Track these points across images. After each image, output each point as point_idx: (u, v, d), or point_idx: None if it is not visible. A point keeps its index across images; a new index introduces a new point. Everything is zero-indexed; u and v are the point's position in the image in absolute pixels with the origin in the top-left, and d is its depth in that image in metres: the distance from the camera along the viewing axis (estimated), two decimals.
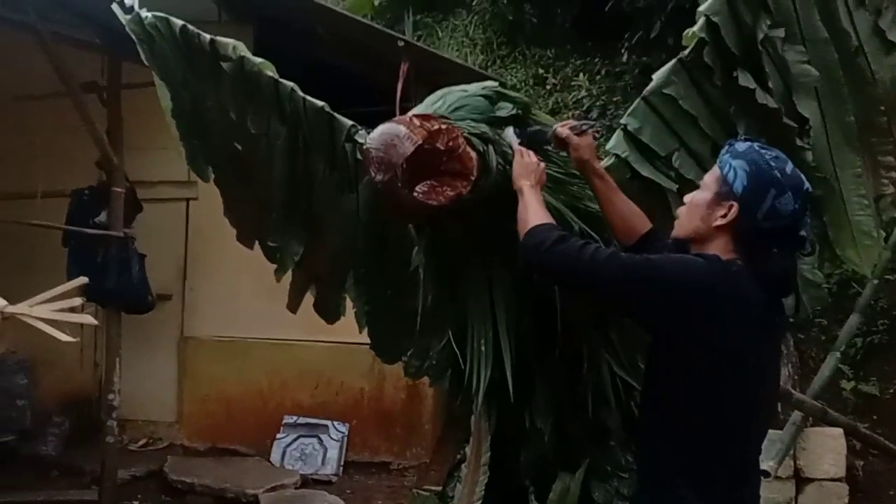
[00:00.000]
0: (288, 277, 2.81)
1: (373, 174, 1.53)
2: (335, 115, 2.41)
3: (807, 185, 1.60)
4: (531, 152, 1.80)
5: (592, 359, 1.99)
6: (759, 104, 2.09)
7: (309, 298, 2.84)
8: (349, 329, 2.80)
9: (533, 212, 1.70)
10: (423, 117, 1.63)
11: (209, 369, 5.45)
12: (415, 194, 1.60)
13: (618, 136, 2.13)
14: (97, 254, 4.40)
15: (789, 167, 1.59)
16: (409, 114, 1.63)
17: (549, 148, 1.95)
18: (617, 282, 1.57)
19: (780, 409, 4.58)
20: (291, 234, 2.77)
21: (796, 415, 4.24)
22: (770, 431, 4.13)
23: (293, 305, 2.89)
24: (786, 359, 5.04)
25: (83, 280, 2.95)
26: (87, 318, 2.82)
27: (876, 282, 5.17)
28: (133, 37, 2.64)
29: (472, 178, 1.67)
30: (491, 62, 7.84)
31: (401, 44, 4.19)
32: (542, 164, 1.81)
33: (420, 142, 1.55)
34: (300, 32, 5.13)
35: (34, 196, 4.49)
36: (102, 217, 4.43)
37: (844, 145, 2.26)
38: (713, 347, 1.54)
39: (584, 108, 7.09)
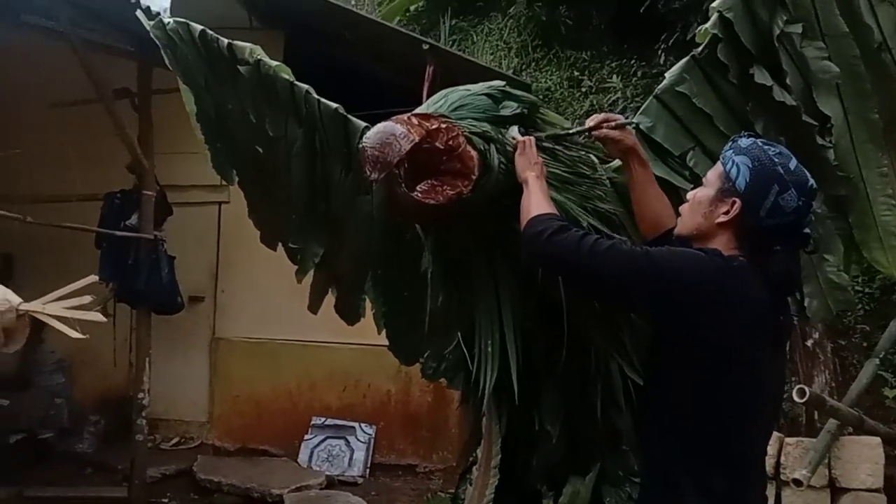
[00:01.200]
0: (310, 278, 2.84)
1: (368, 173, 1.53)
2: (349, 117, 2.42)
3: (811, 181, 1.57)
4: (533, 145, 1.78)
5: (602, 361, 1.95)
6: (777, 102, 2.04)
7: (331, 300, 2.87)
8: (376, 331, 2.81)
9: (536, 202, 1.68)
10: (422, 116, 1.62)
11: (240, 370, 5.52)
12: (414, 194, 1.59)
13: None
14: (128, 256, 4.49)
15: (793, 163, 1.56)
16: (408, 113, 1.62)
17: (559, 147, 1.93)
18: (617, 274, 1.55)
19: (815, 416, 4.47)
20: (311, 236, 2.79)
21: (831, 422, 4.12)
22: (804, 440, 4.09)
23: (314, 306, 2.91)
24: (822, 365, 4.91)
25: (94, 278, 3.00)
26: (97, 316, 2.87)
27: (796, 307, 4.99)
28: (157, 42, 2.70)
29: (473, 178, 1.66)
30: (525, 65, 7.81)
31: (425, 47, 4.20)
32: (541, 160, 1.79)
33: (417, 140, 1.54)
34: (330, 38, 5.18)
35: (69, 199, 4.60)
36: (133, 220, 4.52)
37: (869, 143, 2.19)
38: (714, 345, 1.51)
39: (619, 109, 7.01)
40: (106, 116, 4.24)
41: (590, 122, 1.91)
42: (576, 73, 7.56)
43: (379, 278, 2.73)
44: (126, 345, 5.42)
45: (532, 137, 1.81)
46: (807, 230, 1.57)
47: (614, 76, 7.30)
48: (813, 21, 2.06)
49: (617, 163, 2.10)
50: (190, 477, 4.88)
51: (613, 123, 1.88)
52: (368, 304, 2.80)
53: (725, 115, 2.11)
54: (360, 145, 1.58)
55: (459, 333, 2.05)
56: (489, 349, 1.92)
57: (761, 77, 2.05)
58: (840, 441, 4.16)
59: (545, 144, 1.88)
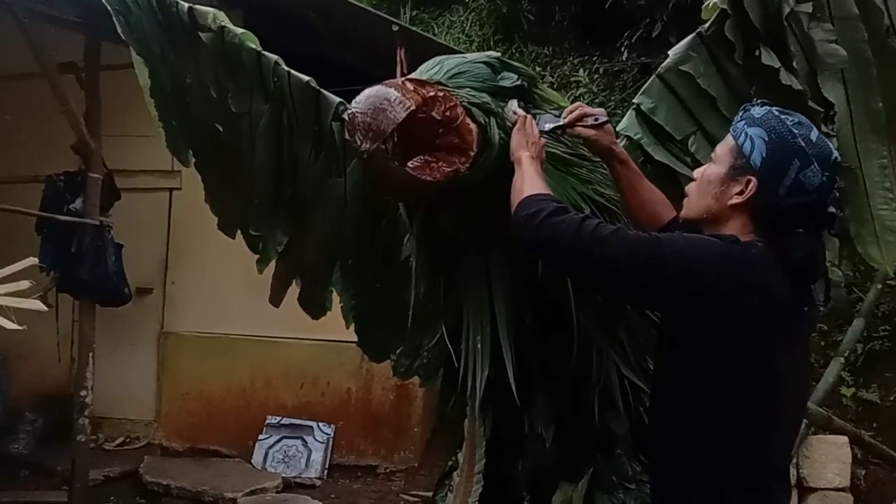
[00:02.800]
0: (271, 270, 2.65)
1: (357, 143, 1.35)
2: (322, 91, 2.24)
3: (835, 154, 1.42)
4: (532, 120, 1.61)
5: (599, 359, 1.81)
6: (783, 85, 1.93)
7: (293, 293, 2.68)
8: (337, 326, 2.64)
9: (529, 182, 1.50)
10: (418, 82, 1.45)
11: (190, 366, 5.26)
12: (410, 171, 1.41)
13: (630, 116, 1.97)
14: (72, 242, 4.20)
15: (814, 134, 1.40)
16: (402, 78, 1.44)
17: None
18: (622, 262, 1.37)
19: None
20: (275, 223, 2.61)
21: None
22: None
23: (276, 299, 2.73)
24: None
25: (32, 260, 2.75)
26: (36, 304, 2.62)
27: (879, 286, 5.06)
28: (108, 8, 2.49)
29: (472, 154, 1.49)
30: None
31: (395, 28, 4.01)
32: (542, 140, 1.62)
33: (413, 107, 1.36)
34: (292, 19, 4.95)
35: (8, 181, 4.32)
36: (78, 204, 4.23)
37: (870, 134, 2.11)
38: (732, 345, 1.36)
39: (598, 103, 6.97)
40: (50, 93, 3.95)
41: (566, 115, 1.73)
42: (538, 69, 7.50)
43: (349, 268, 2.55)
44: (68, 338, 5.14)
45: (530, 116, 1.63)
46: (831, 209, 1.41)
47: (581, 70, 7.25)
48: (823, 1, 1.95)
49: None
50: (136, 479, 4.61)
51: (589, 122, 1.72)
52: (335, 297, 2.62)
53: (729, 98, 2.00)
54: (348, 111, 1.39)
55: (444, 328, 1.88)
56: (479, 346, 1.76)
57: (768, 58, 1.94)
58: (808, 440, 4.15)
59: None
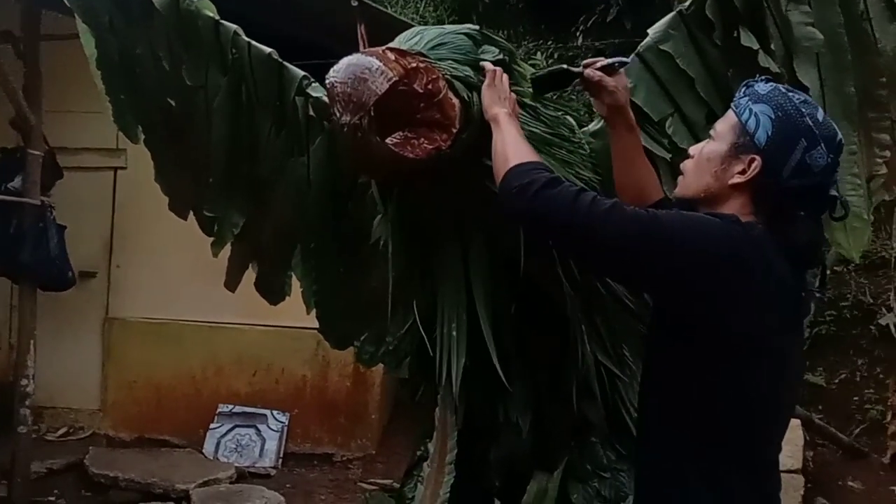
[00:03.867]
0: (226, 253, 2.53)
1: (337, 115, 1.25)
2: (285, 64, 2.13)
3: (839, 135, 1.37)
4: (505, 75, 1.51)
5: (577, 346, 1.76)
6: (761, 67, 1.90)
7: (249, 277, 2.57)
8: (291, 312, 2.55)
9: (513, 147, 1.40)
10: (399, 52, 1.36)
11: (137, 353, 5.05)
12: (392, 147, 1.32)
13: None
14: (10, 223, 3.97)
15: (820, 114, 1.35)
16: (382, 47, 1.35)
17: (538, 104, 1.70)
18: (619, 239, 1.30)
19: None
20: (231, 203, 2.49)
21: None
22: None
23: (232, 283, 2.62)
24: None
25: None
26: None
27: (828, 272, 5.18)
28: None
29: (454, 131, 1.40)
30: None
31: (354, 3, 3.88)
32: (514, 96, 1.53)
33: (395, 78, 1.27)
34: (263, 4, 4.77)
35: None
36: (17, 182, 3.99)
37: (842, 119, 2.08)
38: (734, 329, 1.31)
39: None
40: None
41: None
42: None
43: (311, 252, 2.45)
44: (6, 325, 4.89)
45: (500, 69, 1.53)
46: (833, 192, 1.36)
47: (537, 53, 7.20)
48: None
49: (593, 126, 1.91)
50: (81, 471, 4.40)
51: (600, 64, 1.61)
52: (295, 283, 2.51)
53: (706, 80, 1.96)
54: (326, 80, 1.30)
55: (416, 314, 1.80)
56: (454, 333, 1.69)
57: (747, 40, 1.91)
58: None
59: (526, 101, 1.64)
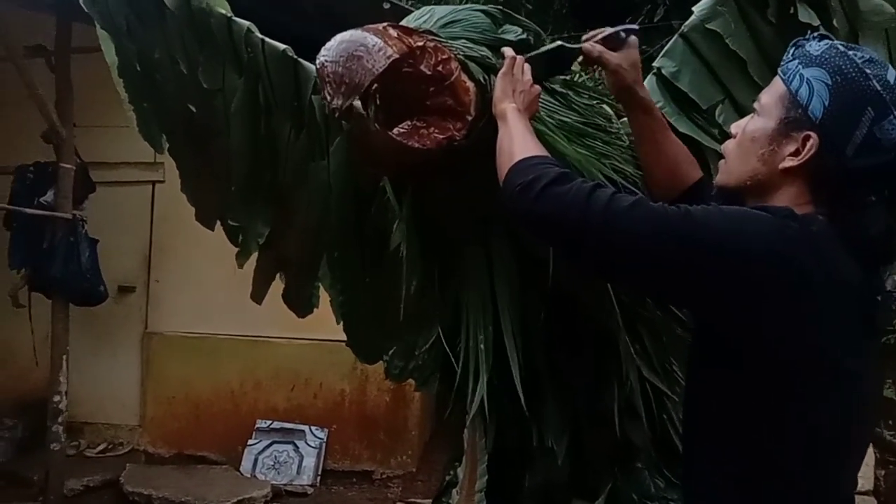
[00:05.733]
0: (254, 263, 2.43)
1: (328, 98, 1.10)
2: (301, 61, 1.99)
3: None
4: (525, 65, 1.32)
5: (619, 361, 1.57)
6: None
7: (278, 289, 2.46)
8: (329, 325, 2.42)
9: (519, 141, 1.21)
10: (403, 29, 1.20)
11: (175, 368, 5.01)
12: (395, 136, 1.16)
13: (650, 81, 1.72)
14: (43, 238, 3.96)
15: (892, 74, 1.10)
16: (384, 24, 1.19)
17: (571, 93, 1.53)
18: (642, 242, 1.09)
19: None
20: (255, 211, 2.38)
21: None
22: None
23: (258, 295, 2.50)
24: None
25: None
26: None
27: (893, 276, 4.87)
28: None
29: (469, 119, 1.24)
30: None
31: (386, 6, 3.77)
32: (537, 88, 1.33)
33: (396, 57, 1.12)
34: (279, 2, 4.72)
35: None
36: (49, 197, 3.98)
37: None
38: (787, 351, 1.08)
39: None
40: (17, 77, 3.70)
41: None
42: None
43: (336, 261, 2.32)
44: (48, 340, 4.91)
45: (523, 57, 1.35)
46: None
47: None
48: None
49: None
50: (116, 489, 4.36)
51: (601, 35, 1.41)
52: (323, 293, 2.39)
53: (760, 62, 1.75)
54: (317, 60, 1.15)
55: (439, 327, 1.64)
56: (481, 346, 1.52)
57: (806, 16, 1.70)
58: None
59: (556, 87, 1.47)
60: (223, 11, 2.04)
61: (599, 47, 1.41)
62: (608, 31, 1.42)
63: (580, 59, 1.44)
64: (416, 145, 1.18)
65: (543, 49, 1.41)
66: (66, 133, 3.83)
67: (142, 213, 5.11)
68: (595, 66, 1.48)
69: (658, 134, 1.44)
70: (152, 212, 5.12)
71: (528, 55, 1.37)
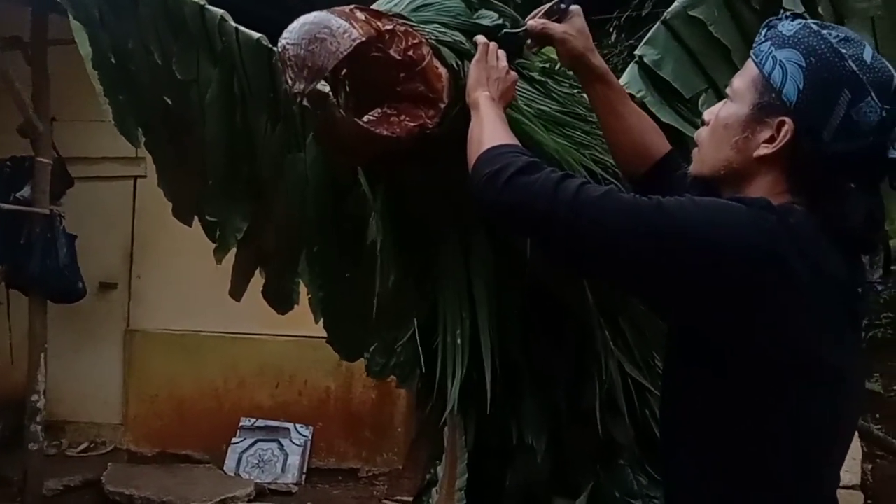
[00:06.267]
0: (233, 258, 2.38)
1: (290, 83, 1.06)
2: (276, 50, 1.94)
3: None
4: (501, 52, 1.28)
5: (599, 356, 1.53)
6: None
7: (258, 284, 2.42)
8: (313, 321, 2.39)
9: (489, 130, 1.17)
10: (371, 12, 1.16)
11: (158, 366, 4.96)
12: (361, 123, 1.12)
13: (631, 70, 1.69)
14: (20, 233, 3.89)
15: (868, 53, 1.05)
16: (351, 6, 1.14)
17: (549, 80, 1.49)
18: (612, 233, 1.05)
19: None
20: (233, 206, 2.35)
21: None
22: None
23: (237, 291, 2.47)
24: None
25: None
26: None
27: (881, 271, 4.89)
28: None
29: (442, 106, 1.20)
30: None
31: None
32: (513, 75, 1.30)
33: (362, 40, 1.07)
34: None
35: None
36: (26, 192, 3.92)
37: None
38: (771, 349, 1.03)
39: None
40: None
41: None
42: None
43: (315, 256, 2.28)
44: (27, 338, 4.85)
45: (494, 44, 1.30)
46: (893, 153, 1.05)
47: None
48: None
49: None
50: (97, 488, 4.30)
51: (541, 11, 1.37)
52: (304, 289, 2.36)
53: (744, 50, 1.69)
54: (279, 44, 1.10)
55: (416, 322, 1.60)
56: (458, 341, 1.48)
57: (790, 3, 1.66)
58: None
59: (534, 76, 1.43)
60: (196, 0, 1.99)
61: (542, 20, 1.36)
62: (546, 6, 1.39)
63: (529, 41, 1.39)
64: (385, 133, 1.14)
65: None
66: (43, 127, 3.76)
67: (123, 208, 5.05)
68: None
69: (618, 104, 1.39)
70: (134, 207, 5.07)
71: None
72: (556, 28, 1.35)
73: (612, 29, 6.97)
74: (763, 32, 1.13)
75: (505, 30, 1.36)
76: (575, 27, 1.36)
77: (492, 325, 1.41)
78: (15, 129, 3.87)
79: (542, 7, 1.40)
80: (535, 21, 1.38)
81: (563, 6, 1.36)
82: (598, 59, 1.38)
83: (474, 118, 1.22)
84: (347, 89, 1.14)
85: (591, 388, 1.54)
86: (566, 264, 1.27)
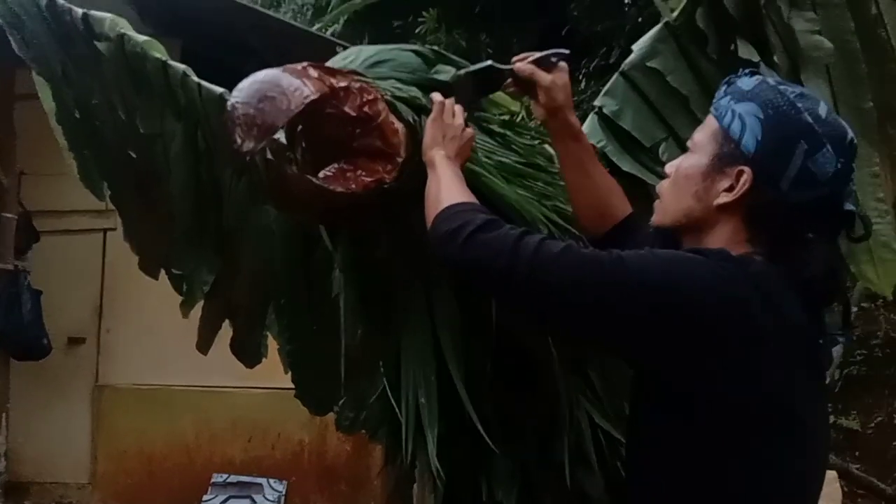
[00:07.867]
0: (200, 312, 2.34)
1: (238, 142, 1.05)
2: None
3: (850, 133, 1.11)
4: (457, 107, 1.29)
5: (568, 408, 1.51)
6: None
7: (226, 337, 2.38)
8: (285, 373, 2.33)
9: (446, 188, 1.19)
10: (325, 69, 1.16)
11: (128, 422, 4.82)
12: (314, 180, 1.11)
13: (591, 121, 1.71)
14: None
15: (823, 109, 1.09)
16: (304, 63, 1.14)
17: (510, 133, 1.49)
18: (572, 290, 1.05)
19: None
20: (200, 259, 2.33)
21: None
22: None
23: (204, 344, 2.43)
24: None
25: None
26: None
27: (855, 309, 4.92)
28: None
29: (399, 160, 1.20)
30: None
31: (339, 50, 3.76)
32: (469, 131, 1.30)
33: (314, 97, 1.07)
34: (234, 47, 4.70)
35: None
36: None
37: (860, 138, 1.82)
38: (734, 400, 1.03)
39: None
40: None
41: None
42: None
43: (283, 308, 2.25)
44: None
45: (451, 99, 1.31)
46: (849, 205, 1.09)
47: None
48: None
49: None
50: None
51: (532, 57, 1.38)
52: (272, 342, 2.32)
53: (702, 97, 1.74)
54: (228, 103, 1.09)
55: (384, 377, 1.58)
56: (421, 399, 1.45)
57: (746, 52, 1.71)
58: None
59: (494, 128, 1.43)
60: (158, 55, 1.98)
61: (531, 66, 1.38)
62: (538, 54, 1.40)
63: (509, 80, 1.40)
64: (340, 189, 1.13)
65: (474, 68, 1.37)
66: (9, 182, 3.73)
67: (93, 261, 4.94)
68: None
69: (587, 163, 1.40)
70: (104, 260, 4.97)
71: (457, 73, 1.34)
72: (545, 77, 1.37)
73: (581, 77, 7.14)
74: (723, 88, 1.16)
75: (492, 63, 1.36)
76: (560, 80, 1.38)
77: (462, 383, 1.39)
78: None
79: (529, 54, 1.41)
80: (524, 65, 1.39)
81: (553, 60, 1.38)
82: (573, 117, 1.40)
83: (431, 177, 1.23)
84: (304, 145, 1.13)
85: (560, 441, 1.51)
86: (529, 320, 1.28)
